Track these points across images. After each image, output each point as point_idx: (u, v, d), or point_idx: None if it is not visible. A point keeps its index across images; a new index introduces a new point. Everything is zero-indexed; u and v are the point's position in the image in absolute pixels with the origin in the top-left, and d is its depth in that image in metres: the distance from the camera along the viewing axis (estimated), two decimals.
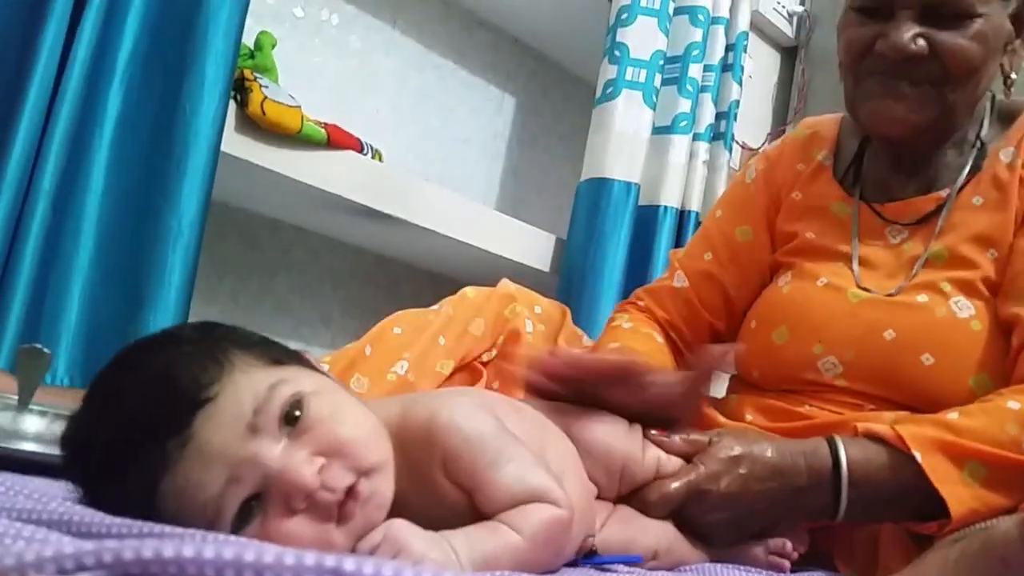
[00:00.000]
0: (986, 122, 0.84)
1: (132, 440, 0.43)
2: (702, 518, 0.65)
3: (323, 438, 0.44)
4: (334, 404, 0.46)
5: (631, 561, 0.59)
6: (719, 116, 1.57)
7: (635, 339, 0.85)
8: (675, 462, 0.65)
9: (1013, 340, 0.74)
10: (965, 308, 0.76)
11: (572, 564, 0.56)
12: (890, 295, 0.79)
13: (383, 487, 0.46)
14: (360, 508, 0.44)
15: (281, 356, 0.48)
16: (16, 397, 0.69)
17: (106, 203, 0.92)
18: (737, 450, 0.66)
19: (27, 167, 0.86)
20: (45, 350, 0.70)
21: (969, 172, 0.82)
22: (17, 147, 0.85)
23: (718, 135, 1.57)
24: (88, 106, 0.91)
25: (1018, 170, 0.80)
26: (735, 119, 1.59)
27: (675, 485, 0.64)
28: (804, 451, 0.68)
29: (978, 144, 0.82)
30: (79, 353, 0.88)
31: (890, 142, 0.84)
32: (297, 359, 0.49)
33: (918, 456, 0.65)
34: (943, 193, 0.82)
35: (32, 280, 0.87)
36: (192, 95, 0.95)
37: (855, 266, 0.82)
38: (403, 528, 0.43)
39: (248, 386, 0.44)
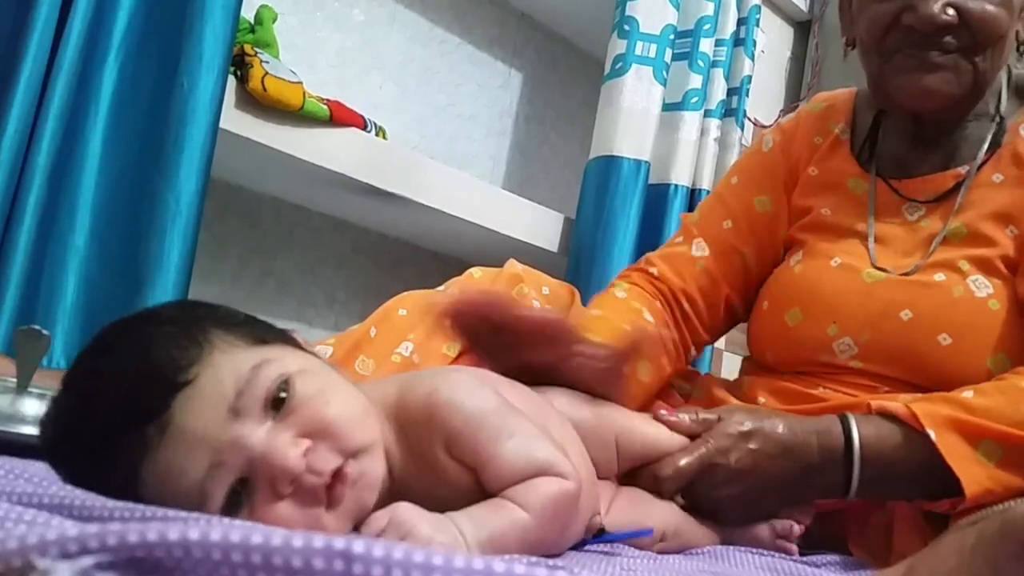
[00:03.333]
0: (1004, 96, 0.82)
1: (110, 425, 0.41)
2: (712, 493, 0.64)
3: (308, 419, 0.43)
4: (320, 384, 0.45)
5: (641, 535, 0.58)
6: (731, 92, 1.55)
7: (619, 312, 0.81)
8: (679, 440, 0.64)
9: None
10: (983, 287, 0.74)
11: (580, 545, 0.55)
12: (906, 274, 0.77)
13: (372, 468, 0.45)
14: (349, 490, 0.43)
15: (266, 335, 0.47)
16: (15, 379, 0.68)
17: (102, 181, 0.91)
18: (748, 425, 0.65)
19: (21, 144, 0.84)
20: (44, 332, 0.69)
21: (988, 148, 0.80)
22: (11, 124, 0.83)
23: (730, 111, 1.54)
24: (83, 81, 0.89)
25: None
26: (747, 95, 1.57)
27: (686, 460, 0.63)
28: (816, 429, 0.67)
29: (997, 119, 0.81)
30: (76, 335, 0.87)
31: (921, 116, 0.82)
32: (283, 338, 0.48)
33: (932, 434, 0.64)
34: (962, 170, 0.80)
35: (27, 260, 0.85)
36: (190, 70, 0.93)
37: (871, 244, 0.80)
38: (409, 511, 0.42)
39: (230, 367, 0.43)
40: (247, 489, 0.42)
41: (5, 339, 0.82)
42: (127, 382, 0.42)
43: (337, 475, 0.42)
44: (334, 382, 0.47)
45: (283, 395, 0.43)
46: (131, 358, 0.43)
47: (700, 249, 0.88)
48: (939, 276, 0.75)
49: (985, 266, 0.75)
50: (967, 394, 0.67)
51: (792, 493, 0.67)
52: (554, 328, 0.61)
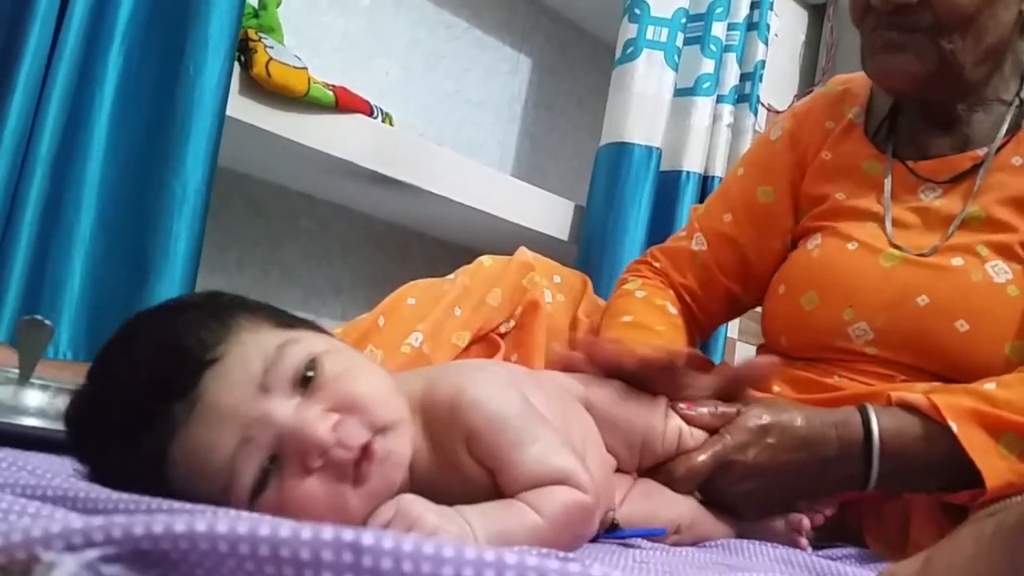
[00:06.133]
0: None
1: (138, 406, 0.42)
2: (729, 489, 0.64)
3: (337, 394, 0.43)
4: (347, 362, 0.45)
5: (654, 534, 0.57)
6: (744, 77, 1.52)
7: (648, 312, 0.83)
8: (699, 435, 0.64)
9: None
10: (1002, 272, 0.73)
11: (594, 539, 0.54)
12: (923, 255, 0.76)
13: (399, 446, 0.44)
14: (377, 468, 0.43)
15: (290, 320, 0.47)
16: (17, 371, 0.67)
17: (107, 169, 0.90)
18: (766, 419, 0.65)
19: (24, 133, 0.83)
20: (47, 322, 0.68)
21: (1007, 132, 0.79)
22: (13, 112, 0.82)
23: (743, 97, 1.52)
24: (87, 68, 0.88)
25: None
26: (761, 80, 1.54)
27: (701, 458, 0.62)
28: (835, 421, 0.66)
29: (1017, 102, 0.80)
30: (82, 325, 0.86)
31: (900, 96, 0.82)
32: (307, 324, 0.49)
33: (954, 427, 0.63)
34: (980, 152, 0.79)
35: (32, 250, 0.85)
36: (195, 56, 0.92)
37: (888, 226, 0.79)
38: (415, 502, 0.42)
39: (256, 345, 0.43)
40: (276, 466, 0.42)
41: (9, 329, 0.81)
42: (153, 363, 0.42)
43: (365, 451, 0.42)
44: (361, 361, 0.47)
45: (310, 374, 0.43)
46: (157, 341, 0.43)
47: (699, 243, 0.89)
48: (957, 260, 0.74)
49: (1004, 251, 0.74)
50: (989, 386, 0.66)
51: (810, 486, 0.66)
52: (672, 365, 0.65)
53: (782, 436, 0.64)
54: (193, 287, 0.92)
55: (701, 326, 0.89)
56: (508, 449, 0.45)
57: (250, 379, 0.42)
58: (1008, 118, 0.79)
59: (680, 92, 1.43)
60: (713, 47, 1.46)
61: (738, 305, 0.91)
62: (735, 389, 0.68)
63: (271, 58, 1.03)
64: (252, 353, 0.42)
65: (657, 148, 1.39)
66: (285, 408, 0.42)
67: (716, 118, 1.47)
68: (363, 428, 0.43)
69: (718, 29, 1.46)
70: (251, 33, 1.04)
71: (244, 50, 1.03)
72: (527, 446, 0.46)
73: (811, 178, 0.87)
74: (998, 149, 0.78)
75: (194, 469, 0.41)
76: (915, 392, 0.68)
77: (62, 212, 0.87)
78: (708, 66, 1.45)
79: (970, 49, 0.76)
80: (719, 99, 1.47)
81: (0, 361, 0.69)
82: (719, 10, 1.46)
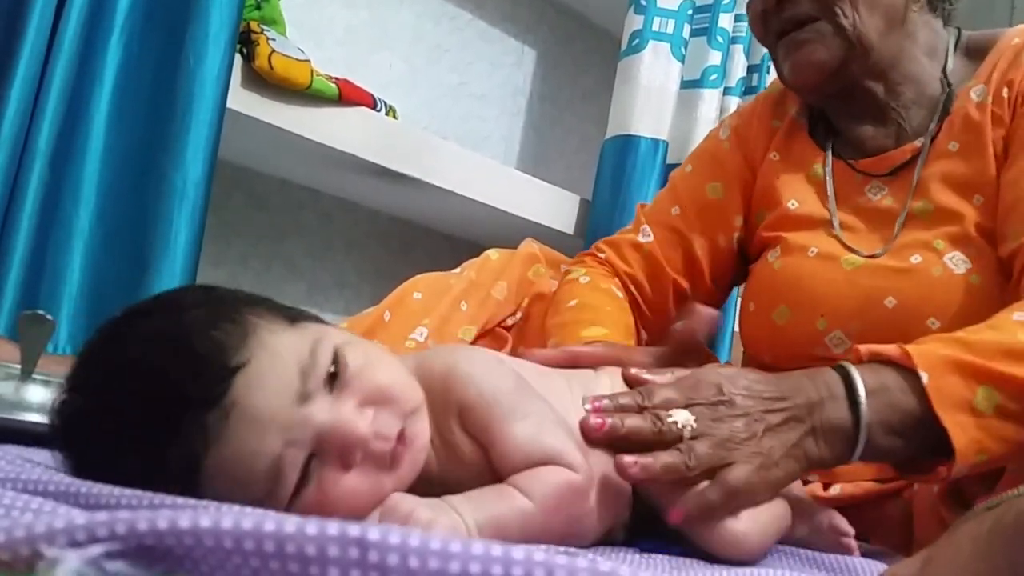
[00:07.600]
0: (951, 60, 0.79)
1: (163, 417, 0.39)
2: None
3: (366, 387, 0.43)
4: (365, 353, 0.45)
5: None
6: (751, 69, 1.51)
7: (594, 295, 0.81)
8: None
9: (1015, 267, 0.69)
10: (961, 263, 0.71)
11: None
12: (875, 255, 0.75)
13: (424, 428, 0.45)
14: (408, 451, 0.44)
15: (294, 313, 0.47)
16: (19, 366, 0.66)
17: (107, 163, 0.89)
18: (724, 379, 0.56)
19: (23, 126, 0.83)
20: (48, 317, 0.67)
21: (940, 116, 0.77)
22: (11, 105, 0.81)
23: (750, 89, 1.51)
24: (86, 60, 0.88)
25: (989, 107, 0.75)
26: (768, 72, 1.52)
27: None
28: (803, 373, 0.58)
29: (946, 86, 0.78)
30: (81, 320, 0.86)
31: (820, 97, 0.81)
32: (308, 316, 0.48)
33: (924, 377, 0.57)
34: (917, 143, 0.78)
35: (31, 244, 0.84)
36: (196, 48, 0.91)
37: (837, 230, 0.78)
38: (403, 498, 0.43)
39: (287, 349, 0.42)
40: (314, 464, 0.42)
41: (9, 324, 0.80)
42: (170, 370, 0.40)
43: (399, 438, 0.43)
44: (375, 349, 0.47)
45: (333, 368, 0.43)
46: (169, 344, 0.40)
47: (646, 235, 0.87)
48: (916, 258, 0.73)
49: (960, 240, 0.72)
50: (960, 333, 0.61)
51: (802, 442, 0.55)
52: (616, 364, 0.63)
53: (752, 382, 0.55)
54: (193, 281, 0.91)
55: (647, 319, 0.86)
56: (499, 423, 0.45)
57: (288, 384, 0.41)
58: (940, 104, 0.77)
59: (687, 84, 1.42)
60: (720, 38, 1.45)
61: (683, 300, 0.88)
62: (691, 344, 0.65)
63: (274, 50, 1.02)
64: (285, 356, 0.42)
65: (663, 141, 1.38)
66: (323, 408, 0.42)
67: (723, 110, 1.45)
68: (395, 418, 0.43)
69: (725, 20, 1.45)
70: (253, 25, 1.04)
71: (246, 42, 1.02)
72: (518, 421, 0.45)
73: (762, 179, 0.86)
74: (933, 138, 0.76)
75: (238, 478, 0.40)
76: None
77: (61, 205, 0.86)
78: (715, 58, 1.44)
79: (867, 18, 0.74)
80: (726, 91, 1.46)
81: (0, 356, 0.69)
82: (726, 1, 1.45)
